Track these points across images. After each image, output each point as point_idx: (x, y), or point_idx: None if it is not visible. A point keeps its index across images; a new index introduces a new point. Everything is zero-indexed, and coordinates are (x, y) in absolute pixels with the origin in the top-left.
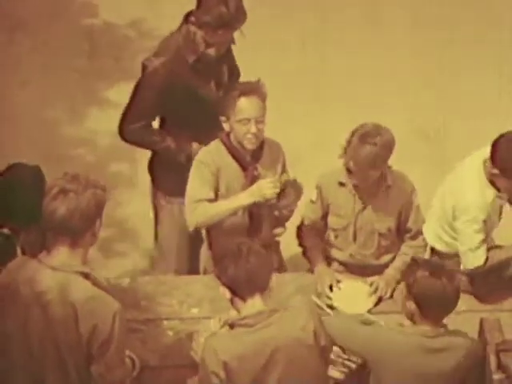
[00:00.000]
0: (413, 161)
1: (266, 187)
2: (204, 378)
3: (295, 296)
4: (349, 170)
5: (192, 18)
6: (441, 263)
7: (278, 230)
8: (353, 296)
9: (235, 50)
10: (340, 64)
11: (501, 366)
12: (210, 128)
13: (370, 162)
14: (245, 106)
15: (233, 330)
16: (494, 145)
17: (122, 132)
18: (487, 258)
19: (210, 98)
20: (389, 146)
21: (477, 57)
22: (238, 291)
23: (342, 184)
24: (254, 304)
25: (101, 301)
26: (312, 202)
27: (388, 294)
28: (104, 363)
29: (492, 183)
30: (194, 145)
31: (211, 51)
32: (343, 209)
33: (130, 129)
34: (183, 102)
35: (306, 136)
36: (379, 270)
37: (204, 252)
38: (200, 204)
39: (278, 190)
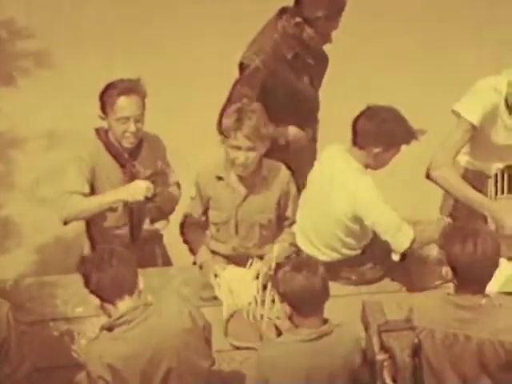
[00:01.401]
0: None
1: (138, 188)
2: (92, 382)
3: (182, 289)
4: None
5: (288, 15)
6: (301, 257)
7: (160, 224)
8: (237, 284)
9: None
10: (218, 52)
11: (383, 347)
12: (306, 122)
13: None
14: (124, 104)
15: (112, 332)
16: (355, 124)
17: (220, 127)
18: None
19: (306, 92)
20: None
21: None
22: (106, 297)
23: (220, 178)
24: (125, 304)
25: None
26: (192, 198)
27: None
28: (8, 363)
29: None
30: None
31: (317, 44)
32: (223, 203)
33: None
34: (282, 97)
35: (187, 130)
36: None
37: (87, 252)
38: (72, 196)
39: (148, 194)
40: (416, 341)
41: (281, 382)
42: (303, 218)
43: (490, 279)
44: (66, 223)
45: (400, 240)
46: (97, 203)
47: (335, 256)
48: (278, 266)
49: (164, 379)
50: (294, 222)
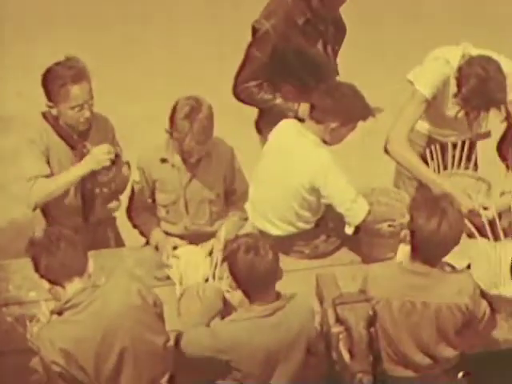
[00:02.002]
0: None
1: (100, 153)
2: (46, 368)
3: (135, 269)
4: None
5: None
6: (251, 238)
7: (112, 205)
8: (190, 261)
9: None
10: (166, 37)
11: (339, 320)
12: (318, 88)
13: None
14: (77, 93)
15: (62, 316)
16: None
17: (236, 90)
18: None
19: (318, 58)
20: None
21: None
22: (56, 279)
23: (164, 160)
24: (73, 287)
25: None
26: (136, 182)
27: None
28: None
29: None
30: (303, 105)
31: (325, 11)
32: (170, 184)
33: (242, 88)
34: (293, 62)
35: (135, 110)
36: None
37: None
38: (38, 181)
39: (112, 156)
40: (371, 312)
41: (240, 360)
42: (258, 192)
43: (445, 256)
44: (35, 209)
45: (355, 212)
46: (63, 181)
47: (290, 230)
48: (229, 246)
49: (119, 360)
50: (241, 195)
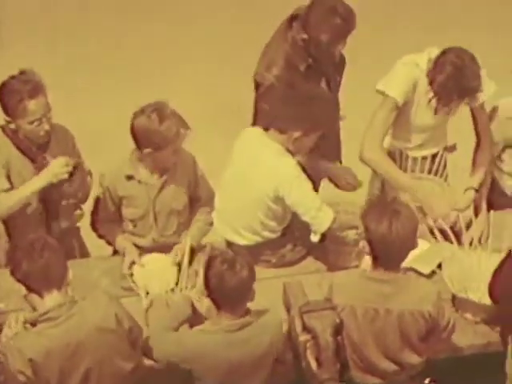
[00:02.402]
0: (220, 135)
1: (57, 166)
2: (9, 377)
3: (101, 280)
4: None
5: (298, 24)
6: (226, 253)
7: (76, 213)
8: (156, 269)
9: None
10: (133, 41)
11: (306, 328)
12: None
13: None
14: (35, 108)
15: (36, 327)
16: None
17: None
18: None
19: (324, 97)
20: None
21: None
22: (34, 287)
23: (130, 177)
24: (52, 299)
25: None
26: (99, 197)
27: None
28: None
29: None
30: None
31: (324, 56)
32: (138, 200)
33: None
34: (299, 105)
35: (103, 118)
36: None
37: (2, 245)
38: None
39: (70, 169)
40: (337, 320)
41: (204, 371)
42: (223, 202)
43: (403, 259)
44: None
45: (320, 220)
46: (22, 195)
47: (256, 239)
48: (212, 251)
49: (83, 379)
50: (206, 202)
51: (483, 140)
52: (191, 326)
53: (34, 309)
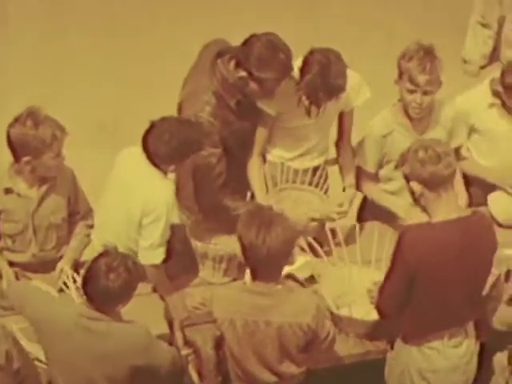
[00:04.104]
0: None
1: None
2: None
3: None
4: None
5: (225, 60)
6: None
7: None
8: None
9: None
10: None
11: (187, 342)
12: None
13: None
14: None
15: None
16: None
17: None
18: None
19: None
20: None
21: None
22: None
23: (8, 190)
24: None
25: None
26: None
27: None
28: None
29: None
30: None
31: (259, 98)
32: (16, 213)
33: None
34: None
35: None
36: None
37: None
38: None
39: None
40: (218, 333)
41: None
42: (102, 220)
43: (278, 271)
44: None
45: (147, 257)
46: None
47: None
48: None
49: None
50: (85, 215)
51: (345, 141)
52: None
53: None
